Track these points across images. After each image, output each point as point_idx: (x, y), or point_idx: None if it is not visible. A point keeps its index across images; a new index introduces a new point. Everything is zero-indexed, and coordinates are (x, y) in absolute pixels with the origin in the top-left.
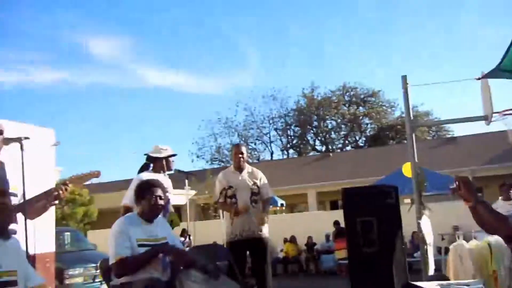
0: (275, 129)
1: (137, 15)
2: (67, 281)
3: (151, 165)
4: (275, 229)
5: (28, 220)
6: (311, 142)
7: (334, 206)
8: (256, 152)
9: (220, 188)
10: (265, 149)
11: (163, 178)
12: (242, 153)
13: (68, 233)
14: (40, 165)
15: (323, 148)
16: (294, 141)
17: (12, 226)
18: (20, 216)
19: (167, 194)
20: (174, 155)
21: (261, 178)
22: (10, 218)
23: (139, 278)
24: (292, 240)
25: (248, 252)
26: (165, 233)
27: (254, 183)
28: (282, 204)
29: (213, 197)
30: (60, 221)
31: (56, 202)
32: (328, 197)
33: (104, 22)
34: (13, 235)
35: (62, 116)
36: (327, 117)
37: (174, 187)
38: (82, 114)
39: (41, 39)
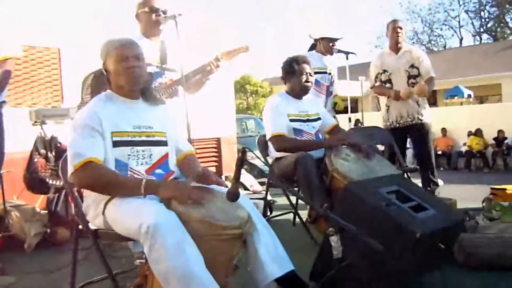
0: (466, 11)
1: None
2: (249, 161)
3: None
4: (459, 121)
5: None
6: (511, 24)
7: None
8: (442, 39)
9: (375, 72)
10: (453, 35)
11: (330, 59)
12: (400, 28)
13: (252, 120)
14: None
15: None
16: (489, 24)
17: (173, 99)
18: (181, 91)
19: (330, 75)
20: (336, 39)
21: (420, 57)
22: (149, 84)
23: (292, 153)
24: (478, 133)
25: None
26: (316, 110)
27: (412, 65)
28: (469, 95)
29: (370, 83)
30: (246, 111)
31: (210, 77)
32: None
33: None
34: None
35: None
36: None
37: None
38: None
39: None
